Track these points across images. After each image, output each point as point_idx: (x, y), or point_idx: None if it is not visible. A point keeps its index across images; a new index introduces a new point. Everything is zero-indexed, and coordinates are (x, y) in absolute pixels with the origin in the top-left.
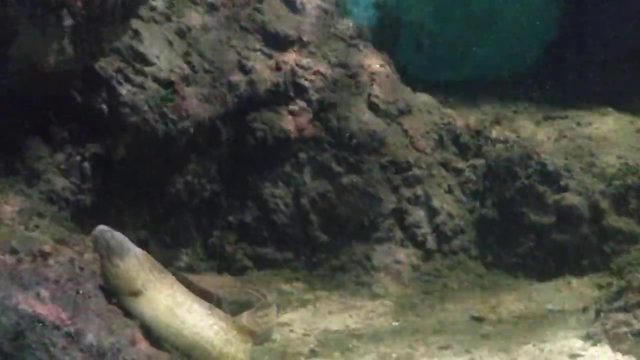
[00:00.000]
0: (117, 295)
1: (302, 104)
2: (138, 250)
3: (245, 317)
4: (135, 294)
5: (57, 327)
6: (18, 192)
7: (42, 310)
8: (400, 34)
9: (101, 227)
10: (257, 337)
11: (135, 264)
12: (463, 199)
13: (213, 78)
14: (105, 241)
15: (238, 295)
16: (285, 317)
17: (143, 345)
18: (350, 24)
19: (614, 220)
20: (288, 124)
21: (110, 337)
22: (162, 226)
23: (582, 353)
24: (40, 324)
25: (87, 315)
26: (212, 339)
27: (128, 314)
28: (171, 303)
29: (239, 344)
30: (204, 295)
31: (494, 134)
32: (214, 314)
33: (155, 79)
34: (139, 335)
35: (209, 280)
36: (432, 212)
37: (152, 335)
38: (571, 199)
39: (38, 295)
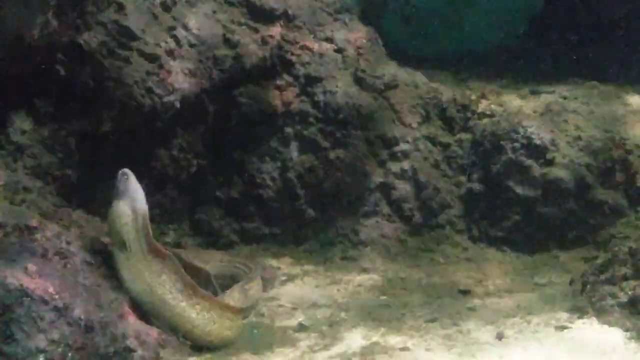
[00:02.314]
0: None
1: (289, 78)
2: (140, 209)
3: (233, 292)
4: (121, 247)
5: (45, 301)
6: (3, 166)
7: (29, 284)
8: (387, 8)
9: (125, 170)
10: (243, 313)
11: (127, 214)
12: (449, 173)
13: (199, 52)
14: (117, 182)
15: (225, 269)
16: (273, 291)
17: (131, 319)
18: None
19: (600, 194)
20: (274, 98)
21: (98, 311)
22: (148, 201)
23: (569, 325)
24: (28, 298)
25: (75, 289)
26: (193, 318)
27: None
28: (152, 280)
29: (223, 321)
30: (194, 271)
31: (481, 108)
32: (197, 294)
33: (141, 53)
34: (127, 310)
35: (196, 256)
36: (419, 187)
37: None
38: (557, 172)
39: (25, 269)
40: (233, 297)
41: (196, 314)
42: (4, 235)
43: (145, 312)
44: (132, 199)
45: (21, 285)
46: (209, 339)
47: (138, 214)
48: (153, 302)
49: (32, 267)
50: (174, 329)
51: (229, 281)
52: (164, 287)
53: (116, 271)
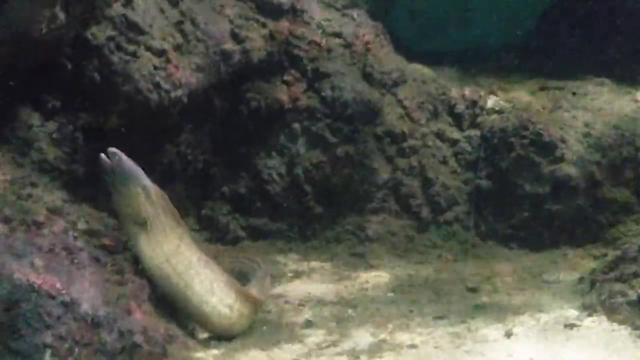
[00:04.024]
0: (124, 223)
1: (296, 73)
2: (149, 184)
3: (252, 287)
4: (140, 225)
5: (52, 297)
6: (10, 161)
7: (36, 279)
8: (394, 3)
9: (111, 149)
10: (260, 306)
11: (140, 194)
12: (458, 170)
13: (206, 47)
14: (110, 164)
15: (233, 265)
16: (280, 288)
17: (138, 315)
18: None
19: (609, 191)
20: (282, 94)
21: (105, 306)
22: None
23: (578, 323)
24: (35, 294)
25: (82, 284)
26: (212, 303)
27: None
28: (173, 254)
29: (242, 310)
30: None
31: (489, 104)
32: (220, 279)
33: (148, 48)
34: (134, 305)
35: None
36: (427, 183)
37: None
38: (566, 169)
39: (32, 264)
40: (253, 289)
41: (217, 300)
42: (11, 230)
43: (164, 292)
44: (135, 177)
45: (28, 280)
46: (224, 324)
47: (148, 190)
48: (172, 281)
49: (39, 262)
50: (199, 320)
51: (238, 277)
52: (185, 262)
53: (134, 249)
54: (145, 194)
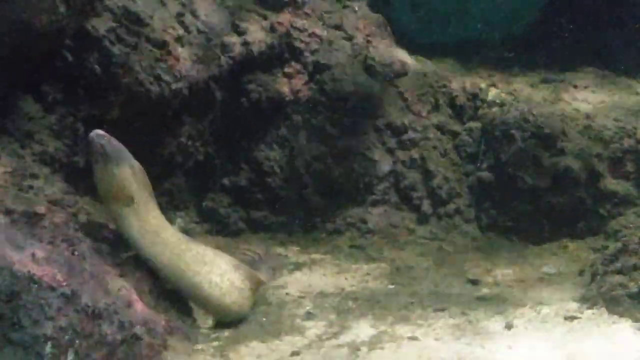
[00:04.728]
0: (108, 204)
1: (297, 66)
2: (134, 162)
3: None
4: (127, 203)
5: (53, 288)
6: (10, 153)
7: (37, 271)
8: None
9: (97, 131)
10: (262, 285)
11: (130, 173)
12: (459, 162)
13: (207, 39)
14: (101, 146)
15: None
16: (281, 280)
17: (139, 306)
18: None
19: (610, 183)
20: (283, 86)
21: (106, 298)
22: (155, 189)
23: (579, 315)
24: (36, 285)
25: (82, 276)
26: (203, 272)
27: (117, 224)
28: (159, 224)
29: (233, 280)
30: None
31: (490, 96)
32: (208, 251)
33: (149, 40)
34: (135, 297)
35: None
36: (428, 175)
37: (137, 251)
38: (567, 161)
39: (33, 256)
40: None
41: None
42: (12, 222)
43: (156, 269)
44: (124, 157)
45: (28, 271)
46: (215, 293)
47: (135, 169)
48: (164, 253)
49: (39, 253)
50: (191, 291)
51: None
52: (175, 236)
53: (125, 229)
54: (132, 172)
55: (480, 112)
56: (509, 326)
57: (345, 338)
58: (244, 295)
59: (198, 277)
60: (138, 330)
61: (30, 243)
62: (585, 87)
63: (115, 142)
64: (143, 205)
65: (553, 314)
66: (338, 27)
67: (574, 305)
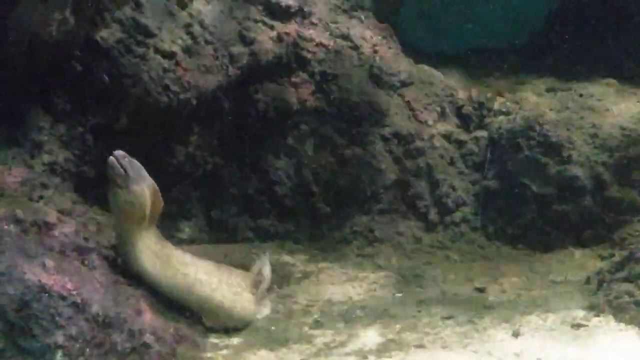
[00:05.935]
0: (123, 224)
1: (304, 75)
2: (151, 181)
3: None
4: (139, 222)
5: (63, 297)
6: (20, 163)
7: (47, 280)
8: (402, 4)
9: (118, 152)
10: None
11: (148, 194)
12: (465, 171)
13: (215, 49)
14: (122, 167)
15: (237, 257)
16: (288, 288)
17: (148, 315)
18: None
19: (616, 191)
20: (290, 95)
21: (115, 307)
22: (164, 198)
23: (585, 323)
24: (46, 294)
25: (92, 285)
26: (215, 284)
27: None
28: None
29: (247, 293)
30: None
31: (497, 105)
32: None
33: (157, 50)
34: (144, 306)
35: (207, 250)
36: (435, 184)
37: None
38: (573, 170)
39: (43, 265)
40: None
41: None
42: (22, 232)
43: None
44: (144, 177)
45: (39, 281)
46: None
47: (151, 188)
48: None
49: (50, 263)
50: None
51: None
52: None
53: (132, 248)
54: (150, 192)
55: (486, 120)
56: (516, 334)
57: (353, 346)
58: (248, 301)
59: (204, 289)
60: (147, 338)
61: (40, 252)
62: (591, 96)
63: (135, 162)
64: (151, 222)
65: (560, 321)
66: (345, 37)
67: (580, 313)
